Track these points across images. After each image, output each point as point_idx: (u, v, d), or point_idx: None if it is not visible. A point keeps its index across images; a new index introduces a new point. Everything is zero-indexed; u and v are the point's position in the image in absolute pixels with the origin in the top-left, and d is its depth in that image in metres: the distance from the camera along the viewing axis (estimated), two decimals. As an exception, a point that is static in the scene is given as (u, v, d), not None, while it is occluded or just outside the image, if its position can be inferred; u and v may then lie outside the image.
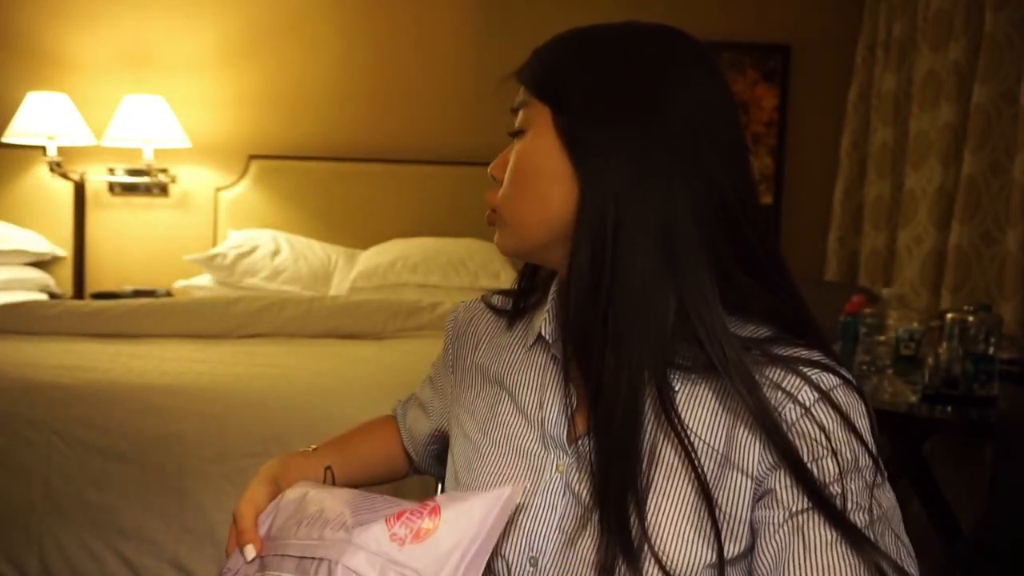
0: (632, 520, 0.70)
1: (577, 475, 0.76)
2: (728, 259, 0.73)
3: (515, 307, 0.90)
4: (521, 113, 0.78)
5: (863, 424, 0.71)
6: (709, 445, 0.72)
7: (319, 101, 3.73)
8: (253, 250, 3.39)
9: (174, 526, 1.79)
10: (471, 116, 3.64)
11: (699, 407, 0.73)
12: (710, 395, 0.73)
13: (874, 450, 0.71)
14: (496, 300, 0.93)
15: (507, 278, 3.21)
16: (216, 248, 3.43)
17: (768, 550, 0.69)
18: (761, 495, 0.70)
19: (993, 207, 2.45)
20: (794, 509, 0.68)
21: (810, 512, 0.68)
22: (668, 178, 0.71)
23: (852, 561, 0.66)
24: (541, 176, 0.75)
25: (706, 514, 0.70)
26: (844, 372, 0.72)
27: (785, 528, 0.68)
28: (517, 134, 0.78)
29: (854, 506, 0.68)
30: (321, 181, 3.66)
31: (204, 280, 3.38)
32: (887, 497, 0.71)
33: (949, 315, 2.03)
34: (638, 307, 0.70)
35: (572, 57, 0.76)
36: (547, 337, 0.83)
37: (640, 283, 0.70)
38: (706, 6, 3.54)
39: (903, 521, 0.73)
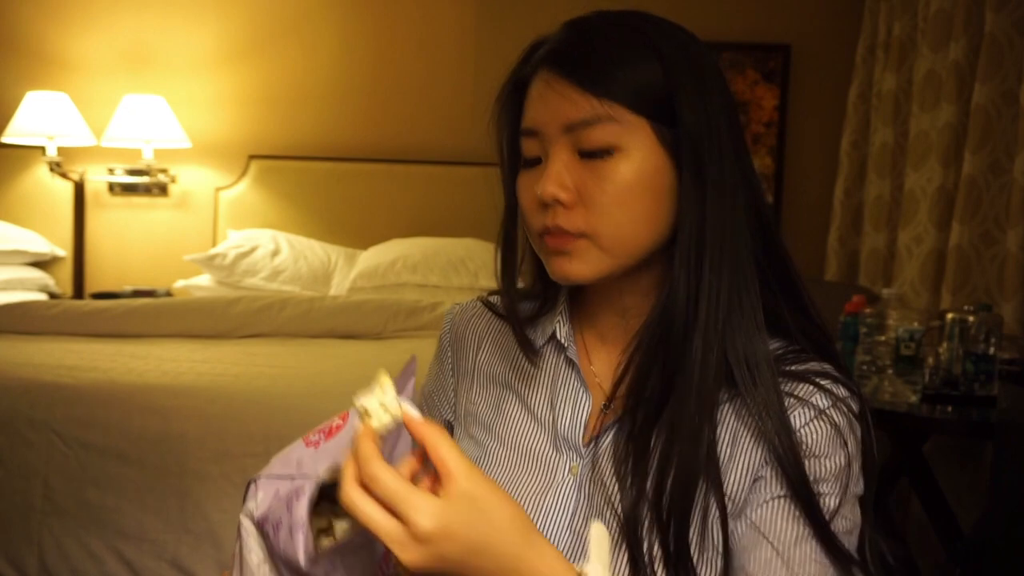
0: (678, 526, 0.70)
1: (590, 476, 0.77)
2: (766, 270, 0.76)
3: (538, 307, 0.87)
4: (603, 129, 0.71)
5: (866, 436, 0.74)
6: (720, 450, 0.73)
7: (319, 101, 3.73)
8: (253, 250, 3.39)
9: (174, 526, 1.79)
10: (471, 116, 3.63)
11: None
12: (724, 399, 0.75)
13: (868, 463, 0.73)
14: (495, 300, 0.91)
15: (507, 278, 3.21)
16: (216, 248, 3.43)
17: (745, 535, 0.71)
18: (753, 480, 0.73)
19: (993, 207, 2.45)
20: (778, 493, 0.70)
21: (790, 500, 0.70)
22: (748, 188, 0.74)
23: (822, 560, 0.68)
24: (652, 196, 0.72)
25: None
26: (854, 386, 0.74)
27: (765, 508, 0.71)
28: (598, 151, 0.72)
29: (839, 512, 0.70)
30: (321, 181, 3.66)
31: (204, 280, 3.38)
32: (857, 513, 0.74)
33: (949, 315, 2.03)
34: (720, 317, 0.72)
35: (657, 64, 0.72)
36: (562, 340, 0.82)
37: (727, 297, 0.72)
38: (706, 6, 3.54)
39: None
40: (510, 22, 3.68)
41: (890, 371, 2.15)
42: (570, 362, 0.82)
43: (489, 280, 3.23)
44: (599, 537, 0.63)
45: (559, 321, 0.83)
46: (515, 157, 0.81)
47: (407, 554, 0.58)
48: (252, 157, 3.73)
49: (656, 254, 0.75)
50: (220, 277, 3.35)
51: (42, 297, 3.39)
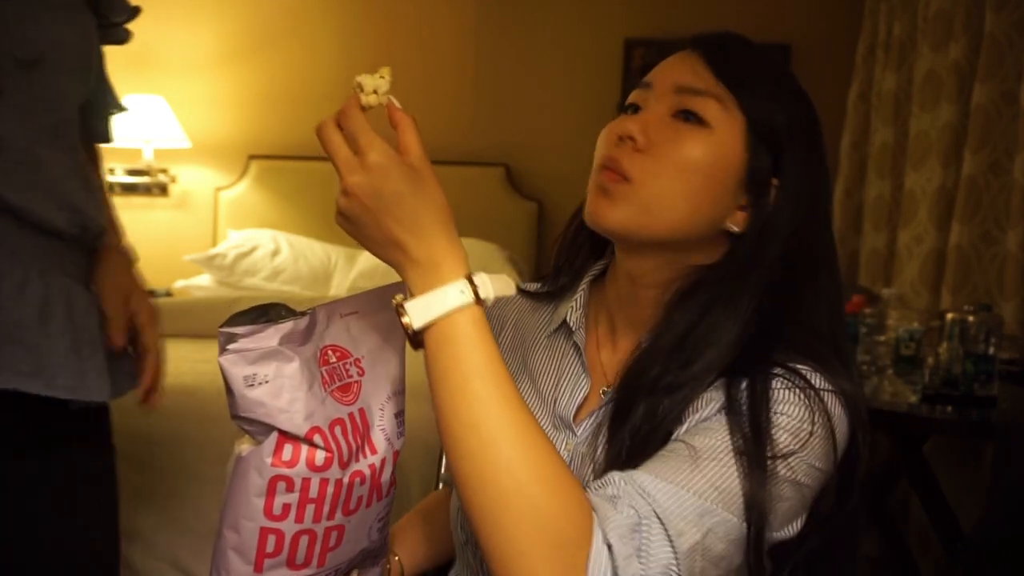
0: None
1: (581, 455, 0.80)
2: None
3: (553, 284, 0.91)
4: (705, 101, 0.76)
5: (856, 441, 0.74)
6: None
7: (319, 101, 3.71)
8: (253, 250, 3.39)
9: (174, 526, 1.79)
10: (471, 116, 3.64)
11: None
12: None
13: (832, 455, 0.72)
14: (527, 287, 0.95)
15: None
16: (216, 248, 3.43)
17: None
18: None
19: (993, 207, 2.44)
20: (719, 408, 0.71)
21: (730, 415, 0.70)
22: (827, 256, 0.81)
23: (741, 473, 0.67)
24: (710, 184, 0.75)
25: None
26: (847, 387, 0.74)
27: (711, 419, 0.71)
28: (691, 117, 0.76)
29: (782, 460, 0.69)
30: (321, 181, 3.66)
31: (204, 280, 3.38)
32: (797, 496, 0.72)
33: (949, 315, 2.03)
34: (726, 318, 0.75)
35: (775, 80, 0.78)
36: (572, 325, 0.85)
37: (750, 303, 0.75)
38: (706, 5, 3.54)
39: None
40: (510, 22, 3.68)
41: (890, 371, 2.15)
42: (576, 347, 0.85)
43: (489, 280, 3.23)
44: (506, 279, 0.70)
45: (572, 306, 0.86)
46: None
47: (352, 175, 0.67)
48: (252, 157, 3.73)
49: (680, 251, 0.78)
50: (220, 277, 3.35)
51: (42, 297, 3.39)
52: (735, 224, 0.78)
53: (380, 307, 0.77)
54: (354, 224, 0.69)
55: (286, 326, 0.67)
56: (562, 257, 0.91)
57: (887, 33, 3.13)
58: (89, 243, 1.09)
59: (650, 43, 3.58)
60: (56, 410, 1.01)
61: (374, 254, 0.69)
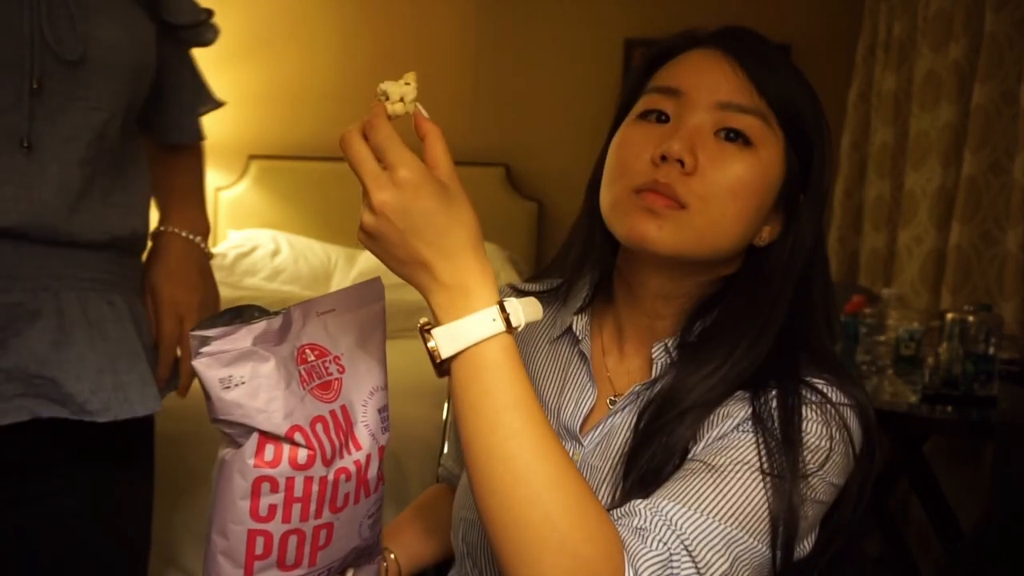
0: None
1: (591, 466, 0.78)
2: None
3: (571, 283, 0.88)
4: (751, 121, 0.73)
5: (866, 450, 0.74)
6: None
7: (319, 101, 3.73)
8: (253, 250, 3.39)
9: (174, 526, 1.79)
10: (471, 116, 3.64)
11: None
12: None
13: (849, 469, 0.72)
14: (528, 287, 0.93)
15: (507, 278, 3.21)
16: (216, 248, 3.43)
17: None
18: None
19: (993, 207, 2.44)
20: (743, 421, 0.71)
21: (755, 432, 0.69)
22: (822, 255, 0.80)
23: (767, 496, 0.66)
24: (756, 203, 0.74)
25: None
26: (863, 400, 0.74)
27: (729, 436, 0.70)
28: (738, 137, 0.74)
29: (803, 481, 0.68)
30: (321, 181, 3.66)
31: (204, 280, 3.38)
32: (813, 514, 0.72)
33: (949, 315, 2.03)
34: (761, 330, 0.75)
35: (799, 85, 0.77)
36: (577, 333, 0.84)
37: (780, 315, 0.76)
38: (706, 5, 3.54)
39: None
40: (510, 22, 3.68)
41: (890, 371, 2.15)
42: (582, 355, 0.83)
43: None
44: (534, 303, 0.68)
45: (578, 315, 0.85)
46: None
47: (381, 192, 0.61)
48: (252, 157, 3.73)
49: (713, 268, 0.78)
50: (220, 277, 3.30)
51: (42, 297, 3.39)
52: (762, 238, 0.78)
53: (357, 304, 0.76)
54: (378, 243, 0.64)
55: (259, 326, 0.67)
56: (567, 259, 0.88)
57: (887, 33, 3.13)
58: (126, 248, 1.06)
59: (650, 43, 3.58)
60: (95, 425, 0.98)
61: (397, 274, 0.66)
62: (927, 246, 2.68)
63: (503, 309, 0.63)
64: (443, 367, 0.65)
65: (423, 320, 0.66)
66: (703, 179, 0.72)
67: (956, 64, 2.60)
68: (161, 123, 1.18)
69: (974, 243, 2.47)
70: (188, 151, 1.24)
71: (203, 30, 1.16)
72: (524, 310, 0.64)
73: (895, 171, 3.02)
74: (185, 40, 1.16)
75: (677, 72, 0.77)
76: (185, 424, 1.84)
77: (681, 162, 0.71)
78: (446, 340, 0.63)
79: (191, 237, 1.20)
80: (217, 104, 1.25)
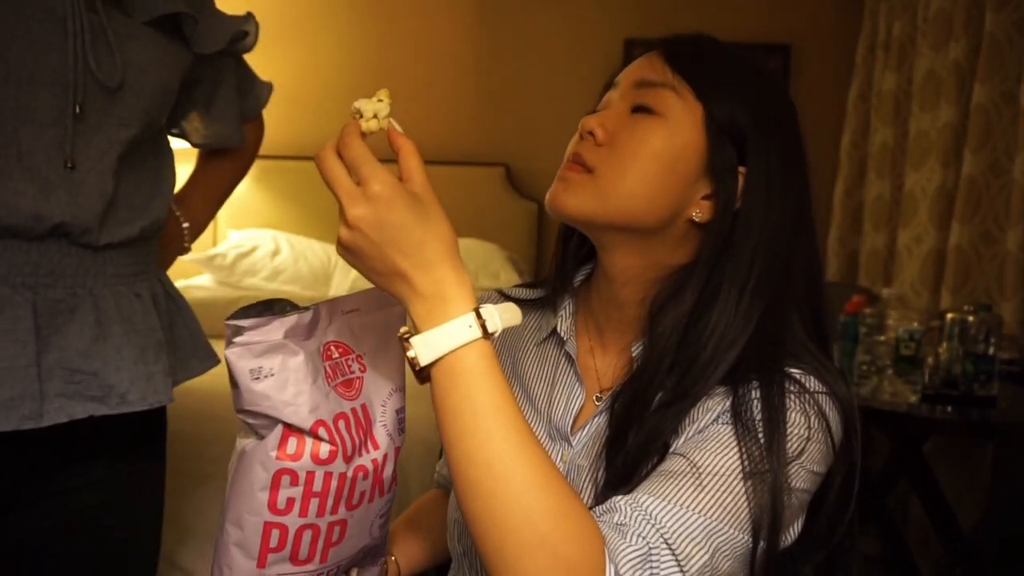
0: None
1: (578, 466, 0.80)
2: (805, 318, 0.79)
3: (555, 287, 0.89)
4: (660, 93, 0.77)
5: (848, 443, 0.74)
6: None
7: (319, 101, 3.73)
8: (253, 250, 3.39)
9: (174, 525, 1.79)
10: (471, 116, 3.64)
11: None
12: None
13: (830, 456, 0.73)
14: (514, 292, 0.95)
15: (507, 278, 3.21)
16: (216, 248, 3.43)
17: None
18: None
19: (993, 207, 2.44)
20: (722, 415, 0.71)
21: (734, 424, 0.70)
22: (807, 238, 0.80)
23: (748, 488, 0.67)
24: (673, 170, 0.76)
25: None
26: (841, 389, 0.75)
27: (709, 428, 0.71)
28: (644, 110, 0.78)
29: (783, 469, 0.69)
30: (320, 181, 3.65)
31: (204, 280, 3.38)
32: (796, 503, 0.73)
33: (949, 315, 2.03)
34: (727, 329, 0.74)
35: (738, 72, 0.79)
36: (563, 334, 0.85)
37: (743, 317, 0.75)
38: (706, 5, 3.54)
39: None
40: (510, 22, 3.68)
41: (890, 371, 2.15)
42: (568, 356, 0.85)
43: (489, 280, 3.23)
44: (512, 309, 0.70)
45: (562, 316, 0.86)
46: None
47: (355, 207, 0.65)
48: (252, 157, 3.73)
49: (650, 242, 0.78)
50: (220, 277, 3.35)
51: (42, 297, 3.39)
52: (701, 212, 0.77)
53: (380, 305, 0.77)
54: (357, 256, 0.67)
55: (291, 320, 0.68)
56: (555, 264, 0.91)
57: (887, 33, 3.14)
58: (149, 237, 1.13)
59: (650, 43, 3.58)
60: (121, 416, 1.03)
61: (377, 286, 0.68)
62: (927, 246, 2.68)
63: (479, 315, 0.64)
64: (424, 374, 0.66)
65: (403, 329, 0.68)
66: (610, 145, 0.77)
67: (956, 64, 2.60)
68: (195, 130, 1.28)
69: (974, 243, 2.47)
70: (221, 156, 1.34)
71: (236, 47, 1.20)
72: (501, 316, 0.66)
73: (895, 171, 3.02)
74: (220, 58, 1.20)
75: (622, 71, 0.83)
76: (184, 424, 1.84)
77: (592, 134, 0.78)
78: (424, 348, 0.64)
79: (184, 225, 1.32)
80: (253, 114, 1.34)
